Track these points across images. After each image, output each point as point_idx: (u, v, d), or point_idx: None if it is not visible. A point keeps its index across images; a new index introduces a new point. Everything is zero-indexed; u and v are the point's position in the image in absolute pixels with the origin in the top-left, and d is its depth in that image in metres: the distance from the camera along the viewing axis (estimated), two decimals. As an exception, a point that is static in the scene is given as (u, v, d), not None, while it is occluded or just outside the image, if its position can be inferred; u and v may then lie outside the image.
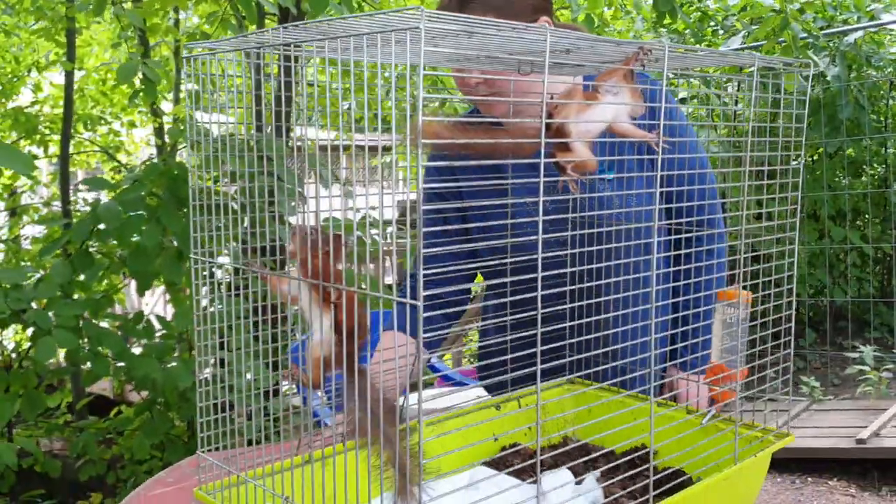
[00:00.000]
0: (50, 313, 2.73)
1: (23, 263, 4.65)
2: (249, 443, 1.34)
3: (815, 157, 6.35)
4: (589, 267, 1.47)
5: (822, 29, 5.48)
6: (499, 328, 1.64)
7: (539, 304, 1.10)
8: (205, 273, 1.28)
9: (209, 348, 1.29)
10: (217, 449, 1.34)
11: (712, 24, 6.65)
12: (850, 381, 5.34)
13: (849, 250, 6.29)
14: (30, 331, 2.94)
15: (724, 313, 1.55)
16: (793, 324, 1.58)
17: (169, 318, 3.37)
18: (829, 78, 5.56)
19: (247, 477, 1.28)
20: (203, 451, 1.31)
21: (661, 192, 1.80)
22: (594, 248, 1.44)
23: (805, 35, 4.83)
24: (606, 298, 1.47)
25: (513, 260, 1.59)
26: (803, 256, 5.96)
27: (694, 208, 1.80)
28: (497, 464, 1.67)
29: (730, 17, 6.37)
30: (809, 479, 4.30)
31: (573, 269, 1.47)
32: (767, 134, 1.45)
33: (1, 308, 2.54)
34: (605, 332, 1.44)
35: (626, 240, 1.57)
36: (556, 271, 1.28)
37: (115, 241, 3.05)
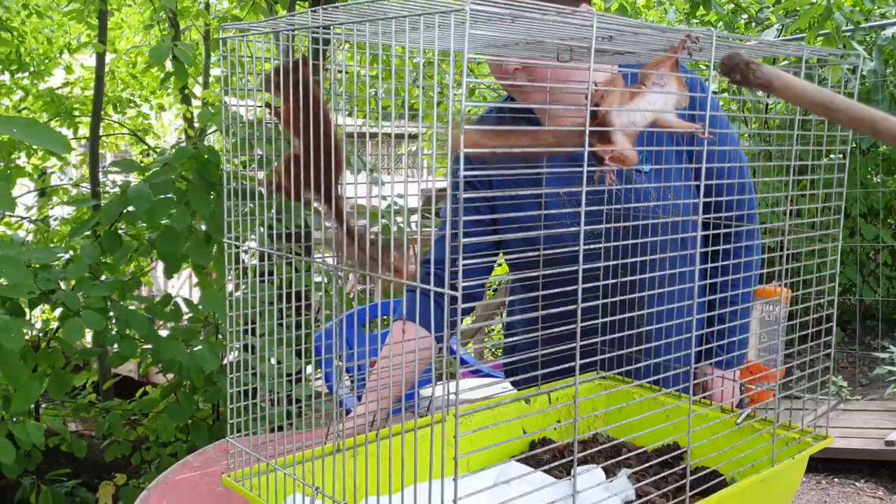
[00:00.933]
0: (78, 294, 2.74)
1: (51, 245, 4.69)
2: (279, 429, 1.32)
3: (847, 154, 6.24)
4: (624, 261, 1.44)
5: (858, 23, 5.37)
6: (527, 322, 1.61)
7: (579, 297, 1.07)
8: (237, 257, 1.27)
9: (239, 334, 1.28)
10: (245, 435, 1.33)
11: (745, 16, 6.55)
12: (879, 381, 5.27)
13: (880, 249, 6.19)
14: (58, 311, 2.96)
15: (762, 311, 1.52)
16: (834, 323, 1.54)
17: (195, 301, 3.37)
18: (864, 72, 5.46)
19: (276, 465, 1.27)
20: (232, 438, 1.30)
21: (699, 187, 1.77)
22: (629, 241, 1.41)
23: (848, 28, 4.73)
24: (641, 294, 1.44)
25: (546, 253, 1.56)
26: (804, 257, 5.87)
27: (733, 203, 1.76)
28: (526, 460, 1.65)
29: (764, 10, 6.27)
30: (836, 479, 4.24)
31: (608, 262, 1.44)
32: (812, 128, 1.41)
33: (30, 287, 2.55)
34: (640, 329, 1.41)
35: (663, 233, 1.54)
36: (590, 265, 1.25)
37: (144, 224, 3.05)
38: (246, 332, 1.29)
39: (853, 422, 4.64)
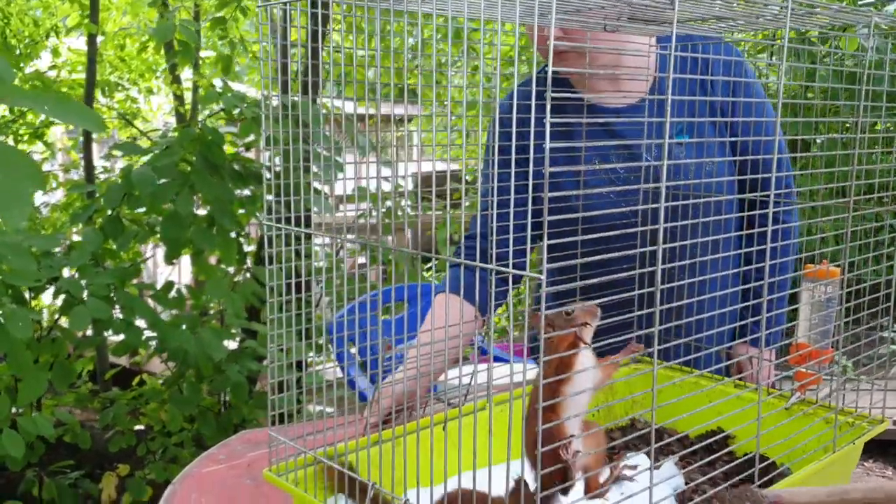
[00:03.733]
0: (82, 282, 2.66)
1: (43, 232, 4.59)
2: (318, 416, 1.26)
3: (849, 130, 6.20)
4: (670, 245, 1.37)
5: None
6: (559, 297, 1.53)
7: (639, 281, 1.01)
8: (278, 239, 1.20)
9: (282, 322, 1.21)
10: (289, 421, 1.27)
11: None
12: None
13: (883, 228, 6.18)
14: (60, 299, 2.87)
15: (813, 292, 1.46)
16: (893, 303, 1.49)
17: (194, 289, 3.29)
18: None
19: (318, 457, 1.20)
20: (272, 430, 1.24)
21: (736, 161, 1.71)
22: (668, 224, 1.34)
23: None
24: (682, 274, 1.39)
25: (584, 229, 1.50)
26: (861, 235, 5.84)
27: (771, 179, 1.71)
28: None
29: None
30: (843, 460, 4.22)
31: (645, 245, 1.38)
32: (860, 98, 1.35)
33: (36, 276, 2.47)
34: (679, 303, 1.35)
35: (701, 207, 1.49)
36: (629, 242, 1.20)
37: (147, 208, 2.97)
38: (289, 320, 1.22)
39: (861, 402, 4.62)
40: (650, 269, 1.00)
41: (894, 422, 4.24)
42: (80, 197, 4.38)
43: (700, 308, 1.40)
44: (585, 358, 1.15)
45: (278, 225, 1.18)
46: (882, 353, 1.49)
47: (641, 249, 1.04)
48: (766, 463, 1.36)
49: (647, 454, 1.52)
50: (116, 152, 3.32)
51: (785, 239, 1.74)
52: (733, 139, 1.69)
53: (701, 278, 1.39)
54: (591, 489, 1.17)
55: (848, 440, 1.37)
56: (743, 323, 1.76)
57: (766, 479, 1.26)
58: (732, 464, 1.41)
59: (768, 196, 1.68)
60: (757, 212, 1.60)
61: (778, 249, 1.64)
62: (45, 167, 5.89)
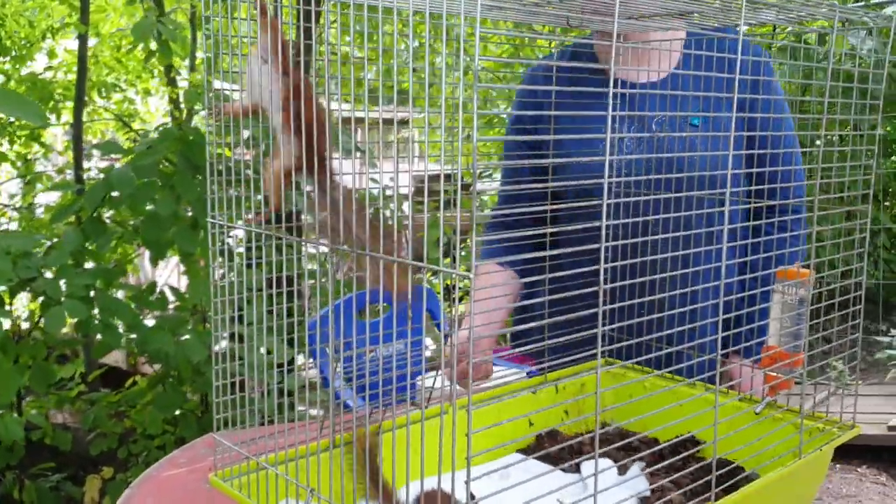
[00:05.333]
0: (61, 282, 2.63)
1: (36, 233, 4.56)
2: (270, 422, 1.23)
3: (844, 135, 6.16)
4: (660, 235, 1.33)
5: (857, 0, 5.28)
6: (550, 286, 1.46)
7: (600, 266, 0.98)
8: (222, 237, 1.17)
9: (226, 321, 1.18)
10: (234, 426, 1.23)
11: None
12: (879, 365, 5.20)
13: (878, 231, 6.13)
14: (40, 300, 2.85)
15: (784, 293, 1.42)
16: (861, 306, 1.45)
17: (183, 289, 3.26)
18: (864, 52, 5.36)
19: (266, 463, 1.17)
20: (219, 434, 1.21)
21: (746, 157, 1.65)
22: (671, 214, 1.30)
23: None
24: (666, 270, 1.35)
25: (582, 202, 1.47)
26: (829, 236, 5.79)
27: (779, 179, 1.67)
28: (533, 452, 1.56)
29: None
30: (837, 465, 4.17)
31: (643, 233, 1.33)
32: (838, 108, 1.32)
33: (9, 276, 2.44)
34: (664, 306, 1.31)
35: (705, 201, 1.45)
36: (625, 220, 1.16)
37: (128, 209, 2.94)
38: (232, 319, 1.19)
39: (862, 406, 4.57)
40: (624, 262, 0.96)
41: (889, 427, 4.19)
42: (73, 196, 4.36)
43: (695, 309, 1.37)
44: None
45: (221, 222, 1.14)
46: (855, 357, 1.45)
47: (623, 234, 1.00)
48: (731, 466, 1.33)
49: (612, 458, 1.49)
50: (96, 151, 3.29)
51: (791, 247, 1.68)
52: (750, 133, 1.64)
53: (693, 282, 1.35)
54: None
55: (816, 446, 1.33)
56: (736, 331, 1.70)
57: (730, 482, 1.22)
58: (697, 466, 1.37)
59: (773, 196, 1.65)
60: (762, 222, 1.57)
61: (785, 256, 1.58)
62: (39, 168, 5.87)
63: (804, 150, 1.73)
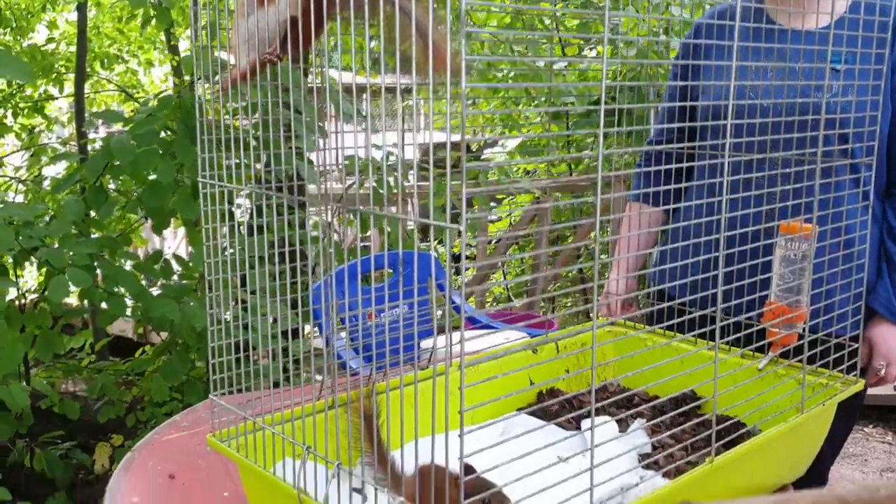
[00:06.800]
0: (64, 251, 2.63)
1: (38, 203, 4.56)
2: (267, 384, 1.22)
3: None
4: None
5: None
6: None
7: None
8: (217, 199, 1.16)
9: (220, 283, 1.17)
10: (232, 392, 1.23)
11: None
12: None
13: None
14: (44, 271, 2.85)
15: (786, 248, 1.40)
16: (866, 259, 1.43)
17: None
18: None
19: (263, 423, 1.17)
20: (216, 395, 1.20)
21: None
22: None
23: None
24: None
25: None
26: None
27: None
28: (534, 411, 1.56)
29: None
30: (845, 425, 4.17)
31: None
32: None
33: (10, 245, 2.44)
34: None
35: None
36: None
37: (129, 177, 2.93)
38: (230, 282, 1.18)
39: (862, 367, 4.56)
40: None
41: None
42: (76, 166, 4.34)
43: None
44: None
45: (212, 182, 1.13)
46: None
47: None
48: (731, 421, 1.32)
49: (617, 419, 1.48)
50: (96, 119, 3.27)
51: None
52: None
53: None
54: None
55: (819, 401, 1.32)
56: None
57: (729, 438, 1.21)
58: (697, 421, 1.37)
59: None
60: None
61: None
62: (44, 140, 5.86)
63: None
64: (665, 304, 1.40)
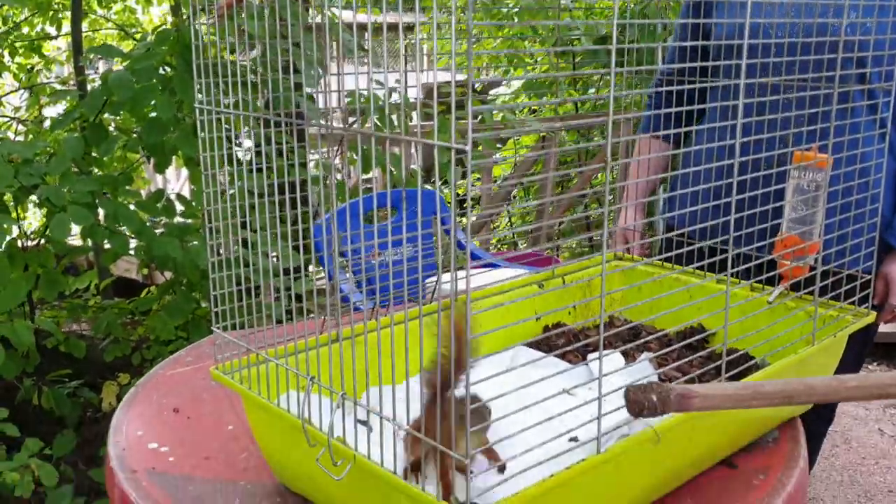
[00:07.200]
0: (64, 189, 2.60)
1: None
2: (270, 319, 1.21)
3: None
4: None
5: None
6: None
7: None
8: (210, 122, 1.12)
9: (219, 211, 1.14)
10: (235, 326, 1.21)
11: None
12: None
13: None
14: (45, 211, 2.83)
15: (799, 178, 1.37)
16: (881, 190, 1.40)
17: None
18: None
19: (267, 356, 1.15)
20: (219, 328, 1.19)
21: None
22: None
23: None
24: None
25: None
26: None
27: None
28: (538, 344, 1.54)
29: None
30: (849, 363, 4.18)
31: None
32: None
33: (9, 182, 2.41)
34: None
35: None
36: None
37: (128, 114, 2.88)
38: (228, 212, 1.15)
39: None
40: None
41: (902, 325, 4.14)
42: (75, 103, 4.28)
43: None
44: None
45: (209, 108, 1.10)
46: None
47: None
48: (738, 354, 1.30)
49: (623, 352, 1.47)
50: (93, 55, 3.21)
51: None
52: None
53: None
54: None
55: (829, 333, 1.30)
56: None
57: (737, 370, 1.20)
58: (704, 353, 1.35)
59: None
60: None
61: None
62: (41, 80, 5.79)
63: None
64: (674, 234, 1.37)
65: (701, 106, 1.62)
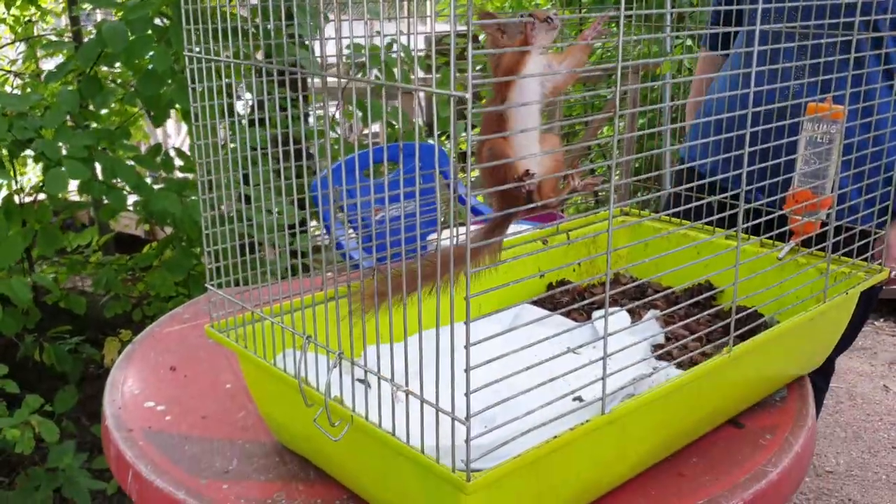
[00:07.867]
0: (59, 144, 2.55)
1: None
2: (266, 276, 1.17)
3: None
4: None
5: None
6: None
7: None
8: (200, 70, 1.08)
9: (213, 165, 1.10)
10: (230, 284, 1.18)
11: None
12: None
13: None
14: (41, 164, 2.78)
15: (812, 130, 1.32)
16: (894, 143, 1.35)
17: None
18: None
19: (263, 314, 1.12)
20: (212, 285, 1.16)
21: None
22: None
23: None
24: None
25: None
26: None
27: None
28: (543, 302, 1.51)
29: None
30: (854, 319, 4.16)
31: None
32: None
33: (3, 135, 2.36)
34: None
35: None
36: None
37: (123, 65, 2.82)
38: (220, 165, 1.11)
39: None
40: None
41: (909, 281, 4.11)
42: (70, 55, 4.20)
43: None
44: (535, 63, 1.04)
45: (199, 55, 1.05)
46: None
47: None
48: (747, 312, 1.27)
49: (629, 310, 1.43)
50: (86, 5, 3.13)
51: None
52: None
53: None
54: (543, 196, 1.08)
55: (841, 290, 1.27)
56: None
57: (746, 328, 1.17)
58: (712, 311, 1.32)
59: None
60: None
61: None
62: (37, 31, 5.68)
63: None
64: (683, 188, 1.33)
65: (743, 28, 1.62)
